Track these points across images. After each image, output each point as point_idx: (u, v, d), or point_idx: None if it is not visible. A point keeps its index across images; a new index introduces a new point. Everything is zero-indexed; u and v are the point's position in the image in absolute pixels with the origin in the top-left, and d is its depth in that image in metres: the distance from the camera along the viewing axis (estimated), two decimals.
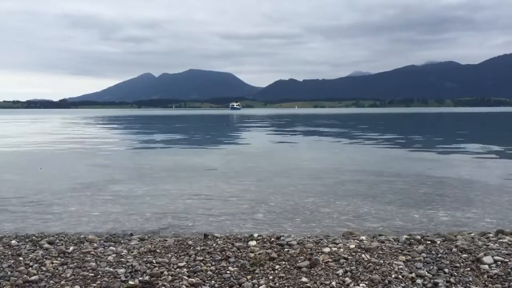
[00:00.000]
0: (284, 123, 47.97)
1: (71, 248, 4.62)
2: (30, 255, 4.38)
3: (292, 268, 4.02)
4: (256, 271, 3.94)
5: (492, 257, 4.12)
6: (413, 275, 3.79)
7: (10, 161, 13.59)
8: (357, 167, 11.90)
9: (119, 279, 3.80)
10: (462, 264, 4.05)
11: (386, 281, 3.68)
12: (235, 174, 10.56)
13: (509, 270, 3.88)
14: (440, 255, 4.29)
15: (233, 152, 16.58)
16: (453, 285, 3.63)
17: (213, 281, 3.76)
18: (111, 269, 3.99)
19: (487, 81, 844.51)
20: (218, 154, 15.56)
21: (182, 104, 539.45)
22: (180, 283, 3.71)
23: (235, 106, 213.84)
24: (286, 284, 3.70)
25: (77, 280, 3.79)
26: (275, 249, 4.53)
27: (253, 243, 4.72)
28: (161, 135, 26.82)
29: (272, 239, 4.86)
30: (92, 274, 3.90)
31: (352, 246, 4.55)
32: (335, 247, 4.53)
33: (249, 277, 3.83)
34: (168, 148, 17.92)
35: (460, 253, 4.33)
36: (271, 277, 3.82)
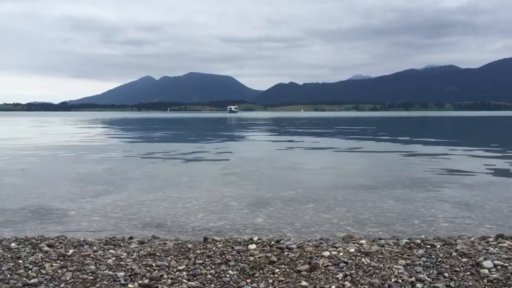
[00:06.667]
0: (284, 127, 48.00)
1: (71, 251, 4.62)
2: (30, 258, 4.37)
3: (292, 271, 4.01)
4: (256, 275, 3.94)
5: (492, 261, 4.12)
6: (413, 279, 3.79)
7: (9, 163, 13.58)
8: (357, 172, 11.91)
9: (118, 282, 3.79)
10: (462, 268, 4.05)
11: (386, 285, 3.68)
12: (234, 178, 10.56)
13: (509, 274, 3.88)
14: (440, 259, 4.29)
15: (232, 155, 16.58)
16: None
17: (212, 285, 3.75)
18: (110, 272, 3.99)
19: (487, 85, 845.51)
20: (216, 158, 15.55)
21: (183, 107, 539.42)
22: (180, 286, 3.71)
23: (232, 109, 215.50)
24: (286, 287, 3.70)
25: (77, 283, 3.78)
26: (275, 252, 4.52)
27: (252, 246, 4.72)
28: (157, 139, 26.82)
29: (272, 243, 4.86)
30: (92, 277, 3.90)
31: (352, 250, 4.55)
32: (335, 251, 4.53)
33: (248, 280, 3.83)
34: (165, 152, 17.91)
35: (460, 257, 4.32)
36: (270, 281, 3.82)
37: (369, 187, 9.28)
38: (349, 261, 4.20)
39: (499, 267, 4.04)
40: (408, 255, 4.39)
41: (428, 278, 3.81)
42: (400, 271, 3.96)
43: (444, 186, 9.39)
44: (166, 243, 4.96)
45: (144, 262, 4.25)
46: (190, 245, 4.82)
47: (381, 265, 4.10)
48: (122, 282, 3.80)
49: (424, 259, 4.27)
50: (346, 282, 3.74)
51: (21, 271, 4.01)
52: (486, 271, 3.95)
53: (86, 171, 11.70)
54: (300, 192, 8.67)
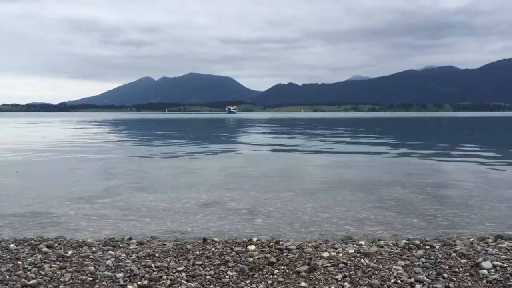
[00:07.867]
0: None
1: (70, 252, 4.62)
2: (29, 259, 4.37)
3: (291, 272, 4.01)
4: (255, 276, 3.94)
5: (491, 262, 4.12)
6: (412, 280, 3.79)
7: (9, 165, 13.56)
8: (356, 172, 11.91)
9: (117, 283, 3.79)
10: (461, 269, 4.05)
11: (385, 286, 3.68)
12: (234, 179, 10.55)
13: (508, 275, 3.89)
14: (439, 260, 4.29)
15: (232, 157, 16.58)
16: None
17: (212, 286, 3.75)
18: (109, 273, 3.99)
19: (486, 85, 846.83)
20: (216, 159, 15.55)
21: (182, 108, 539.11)
22: (179, 287, 3.71)
23: (231, 110, 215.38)
24: None
25: (76, 284, 3.78)
26: (274, 253, 4.53)
27: (252, 247, 4.72)
28: (158, 139, 26.80)
29: (271, 244, 4.86)
30: (91, 278, 3.90)
31: (351, 250, 4.55)
32: (334, 251, 4.53)
33: (248, 281, 3.83)
34: (165, 153, 17.90)
35: (459, 258, 4.33)
36: (270, 282, 3.82)
37: (368, 187, 9.28)
38: (348, 262, 4.20)
39: (498, 268, 4.05)
40: (407, 256, 4.39)
41: (427, 279, 3.81)
42: (399, 272, 3.96)
43: (443, 186, 9.39)
44: (165, 244, 4.96)
45: (143, 263, 4.25)
46: (189, 246, 4.81)
47: (380, 266, 4.10)
48: (121, 283, 3.80)
49: (423, 260, 4.27)
50: (345, 283, 3.74)
51: (20, 272, 4.01)
52: (485, 272, 3.96)
53: (84, 172, 11.69)
54: (299, 192, 8.67)
